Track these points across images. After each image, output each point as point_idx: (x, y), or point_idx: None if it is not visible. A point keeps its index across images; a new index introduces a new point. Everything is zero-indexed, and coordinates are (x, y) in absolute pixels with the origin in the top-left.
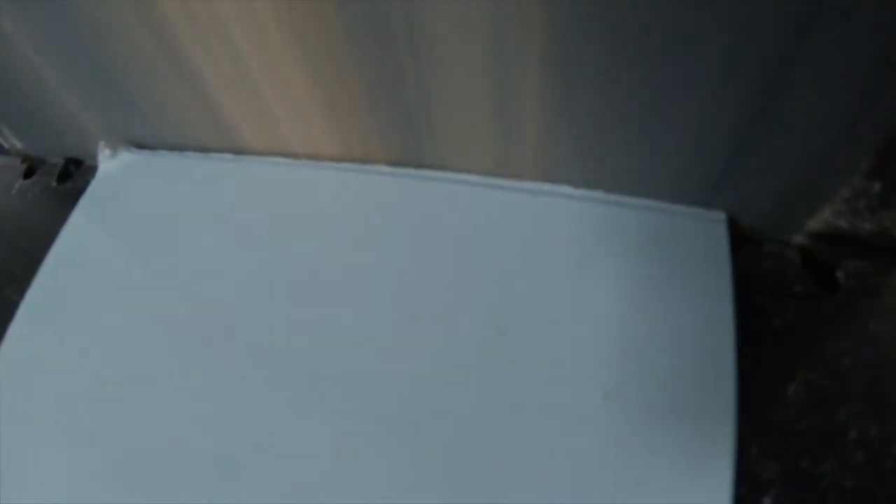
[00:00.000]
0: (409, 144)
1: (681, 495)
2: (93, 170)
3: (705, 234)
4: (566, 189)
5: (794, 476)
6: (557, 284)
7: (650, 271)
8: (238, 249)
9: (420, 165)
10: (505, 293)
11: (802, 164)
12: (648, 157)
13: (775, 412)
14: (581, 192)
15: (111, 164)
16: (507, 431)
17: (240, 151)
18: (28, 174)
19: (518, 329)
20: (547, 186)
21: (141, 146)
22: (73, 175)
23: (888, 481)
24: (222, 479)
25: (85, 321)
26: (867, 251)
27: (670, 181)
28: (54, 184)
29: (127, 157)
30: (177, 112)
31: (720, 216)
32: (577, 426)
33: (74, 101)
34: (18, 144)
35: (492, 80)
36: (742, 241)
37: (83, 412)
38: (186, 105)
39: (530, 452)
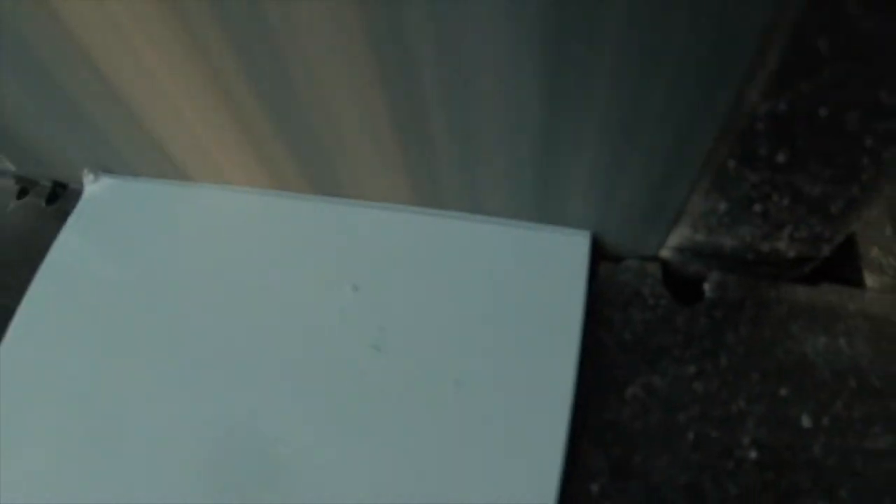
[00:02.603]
0: (315, 174)
1: (513, 474)
2: (77, 192)
3: (567, 250)
4: (452, 213)
5: (625, 469)
6: (430, 290)
7: (512, 281)
8: (189, 262)
9: (332, 193)
10: (383, 297)
11: (648, 187)
12: (522, 185)
13: (611, 412)
14: (464, 214)
15: (94, 188)
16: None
17: (188, 179)
18: (21, 195)
19: (395, 326)
20: (437, 211)
21: (115, 172)
22: (60, 197)
23: (724, 482)
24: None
25: (75, 323)
26: (735, 264)
27: (541, 205)
28: (43, 204)
29: (106, 181)
30: (136, 147)
31: (584, 235)
32: (428, 410)
33: (56, 133)
34: (12, 168)
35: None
36: (605, 258)
37: (76, 406)
38: (141, 141)
39: (391, 424)
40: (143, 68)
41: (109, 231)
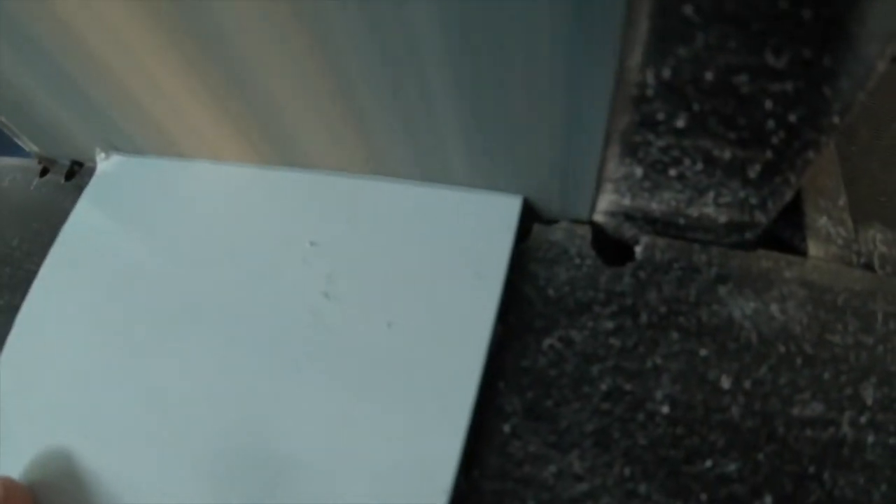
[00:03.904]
0: (284, 146)
1: (428, 410)
2: (91, 169)
3: (498, 212)
4: (400, 181)
5: (537, 412)
6: (375, 245)
7: (446, 238)
8: (190, 235)
9: (301, 164)
10: (334, 250)
11: (562, 154)
12: (456, 153)
13: (528, 360)
14: (411, 182)
15: (105, 165)
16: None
17: (184, 155)
18: (43, 173)
19: (342, 275)
20: (387, 179)
21: (123, 151)
22: (77, 174)
23: (633, 432)
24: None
25: (91, 283)
26: (668, 229)
27: (475, 172)
28: (63, 181)
29: (116, 159)
30: (139, 126)
31: (516, 198)
32: (365, 347)
33: (70, 116)
34: (35, 148)
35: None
36: (539, 221)
37: (96, 352)
38: (143, 121)
39: (330, 359)
40: (134, 54)
41: (117, 201)
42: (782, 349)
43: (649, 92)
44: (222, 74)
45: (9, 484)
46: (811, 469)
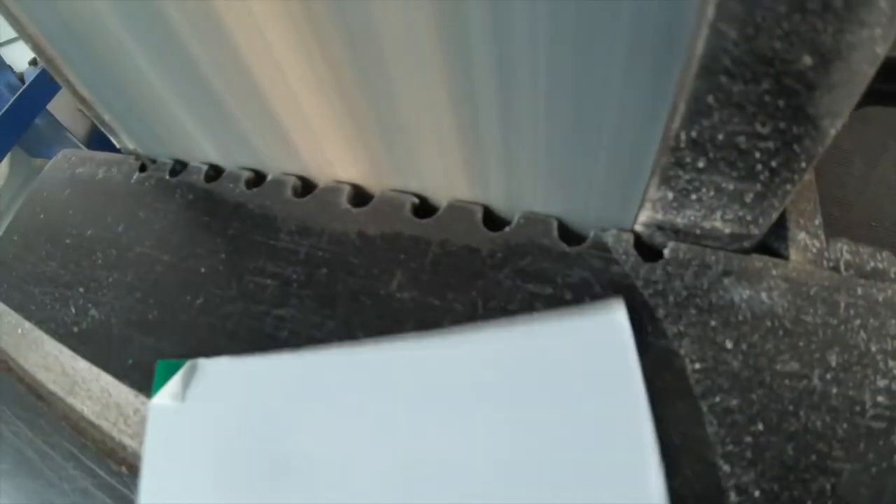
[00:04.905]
0: (396, 170)
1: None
2: (195, 169)
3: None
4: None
5: None
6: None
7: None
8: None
9: (406, 187)
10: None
11: (620, 184)
12: (543, 185)
13: None
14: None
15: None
16: None
17: (308, 174)
18: (142, 169)
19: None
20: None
21: (243, 163)
22: (180, 172)
23: (662, 377)
24: None
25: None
26: (688, 237)
27: (552, 195)
28: (167, 177)
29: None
30: (266, 141)
31: (620, 312)
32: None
33: (198, 124)
34: (131, 146)
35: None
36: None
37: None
38: (271, 137)
39: None
40: (278, 68)
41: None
42: (769, 324)
43: (682, 144)
44: (364, 99)
45: None
46: (790, 408)
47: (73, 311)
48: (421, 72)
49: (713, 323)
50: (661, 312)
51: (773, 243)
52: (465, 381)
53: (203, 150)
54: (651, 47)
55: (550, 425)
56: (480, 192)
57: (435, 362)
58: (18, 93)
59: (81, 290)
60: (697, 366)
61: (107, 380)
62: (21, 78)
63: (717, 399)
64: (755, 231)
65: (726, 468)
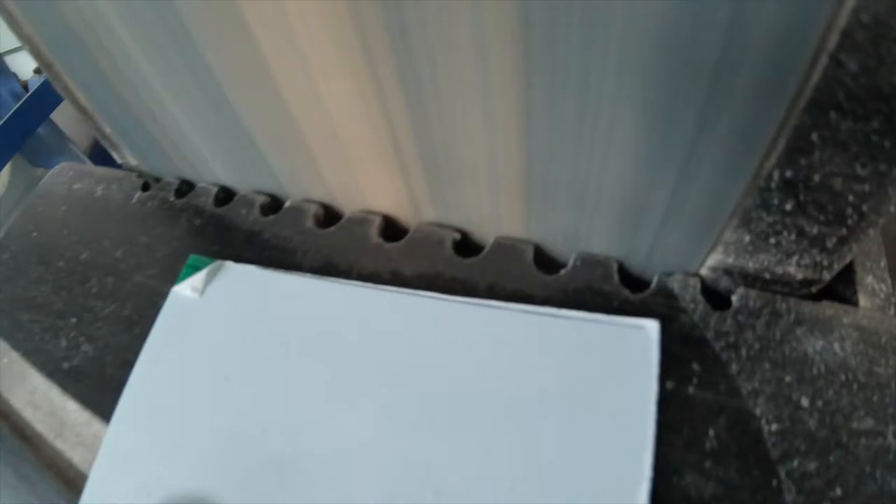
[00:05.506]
0: (437, 206)
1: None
2: (203, 191)
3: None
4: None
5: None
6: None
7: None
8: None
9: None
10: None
11: (697, 227)
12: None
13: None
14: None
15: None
16: None
17: (334, 201)
18: (144, 188)
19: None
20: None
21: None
22: (187, 193)
23: (737, 441)
24: None
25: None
26: (756, 282)
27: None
28: (172, 198)
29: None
30: (289, 168)
31: (652, 325)
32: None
33: (195, 138)
34: (134, 162)
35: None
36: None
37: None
38: (296, 165)
39: None
40: (310, 80)
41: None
42: (843, 377)
43: (772, 185)
44: (410, 122)
45: None
46: (867, 469)
47: (64, 344)
48: (483, 95)
49: (788, 378)
50: (734, 368)
51: (838, 288)
52: (477, 349)
53: (212, 169)
54: (762, 73)
55: (548, 414)
56: (535, 229)
57: (459, 323)
58: (21, 101)
59: (74, 320)
60: (774, 427)
61: (98, 427)
62: (25, 86)
63: (795, 463)
64: (827, 276)
65: None
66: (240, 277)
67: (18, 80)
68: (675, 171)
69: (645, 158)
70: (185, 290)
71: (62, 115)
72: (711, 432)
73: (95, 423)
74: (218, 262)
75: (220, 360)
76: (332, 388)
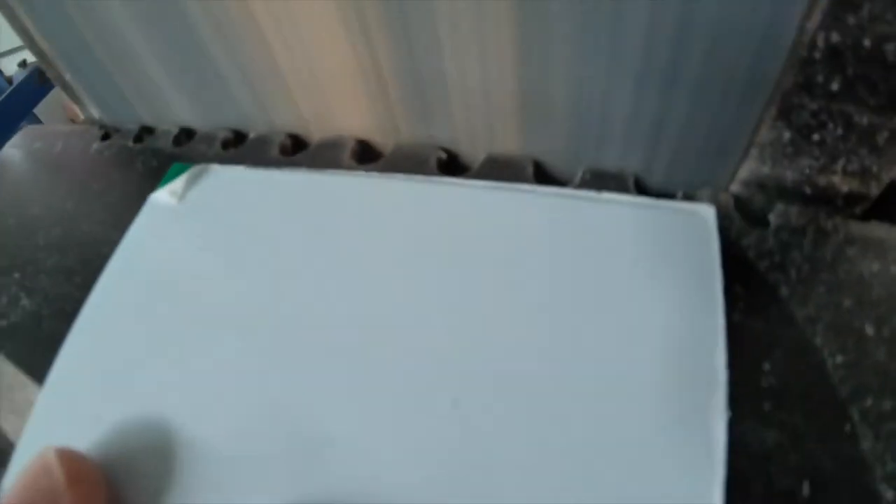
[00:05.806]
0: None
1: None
2: (163, 133)
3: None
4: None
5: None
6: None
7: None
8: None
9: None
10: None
11: (724, 117)
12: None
13: None
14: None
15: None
16: None
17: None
18: (104, 138)
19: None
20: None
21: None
22: (146, 139)
23: (803, 381)
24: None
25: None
26: (795, 198)
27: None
28: (130, 144)
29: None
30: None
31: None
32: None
33: (160, 81)
34: (95, 115)
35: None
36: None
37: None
38: (278, 92)
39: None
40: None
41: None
42: None
43: (816, 54)
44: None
45: (75, 459)
46: None
47: (5, 300)
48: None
49: (847, 303)
50: (784, 292)
51: (887, 210)
52: (508, 235)
53: (175, 110)
54: None
55: (606, 304)
56: (534, 142)
57: (488, 210)
58: (5, 94)
59: (17, 275)
60: (839, 359)
61: (33, 390)
62: (10, 80)
63: (869, 403)
64: (874, 190)
65: (889, 495)
66: (226, 180)
67: (3, 75)
68: (699, 48)
69: (662, 39)
70: (162, 197)
71: (46, 110)
72: (767, 366)
73: (30, 386)
74: (202, 166)
75: (201, 267)
76: (336, 283)
